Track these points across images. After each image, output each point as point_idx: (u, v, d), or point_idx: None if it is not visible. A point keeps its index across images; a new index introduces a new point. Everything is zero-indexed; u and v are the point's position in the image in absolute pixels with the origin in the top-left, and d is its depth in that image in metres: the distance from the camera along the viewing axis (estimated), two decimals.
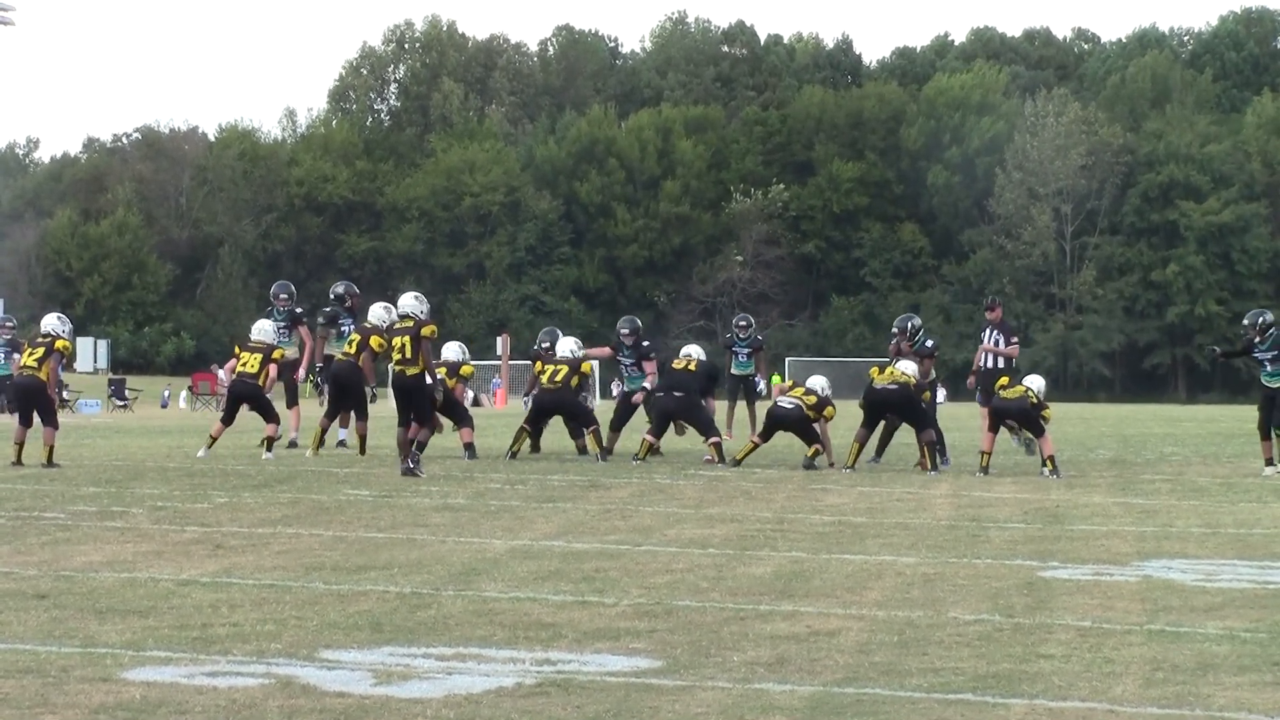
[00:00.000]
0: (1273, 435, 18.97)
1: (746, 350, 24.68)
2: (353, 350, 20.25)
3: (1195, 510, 14.48)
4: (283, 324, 22.32)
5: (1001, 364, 22.88)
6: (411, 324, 17.73)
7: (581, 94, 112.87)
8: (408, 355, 17.64)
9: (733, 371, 25.10)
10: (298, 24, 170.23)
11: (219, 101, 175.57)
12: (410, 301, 18.11)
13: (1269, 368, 18.92)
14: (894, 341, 20.61)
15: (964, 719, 6.16)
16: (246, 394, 20.30)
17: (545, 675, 6.85)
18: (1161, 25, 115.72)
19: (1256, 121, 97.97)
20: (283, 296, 22.78)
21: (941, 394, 19.15)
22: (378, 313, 20.43)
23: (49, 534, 11.85)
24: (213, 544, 11.37)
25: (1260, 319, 19.25)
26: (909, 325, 20.62)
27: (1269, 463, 19.06)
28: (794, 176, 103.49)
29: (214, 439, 20.81)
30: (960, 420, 41.76)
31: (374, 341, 19.32)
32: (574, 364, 20.13)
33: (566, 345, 20.60)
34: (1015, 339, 22.99)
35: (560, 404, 20.20)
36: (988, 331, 23.11)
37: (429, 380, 17.77)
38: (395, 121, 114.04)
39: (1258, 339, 19.02)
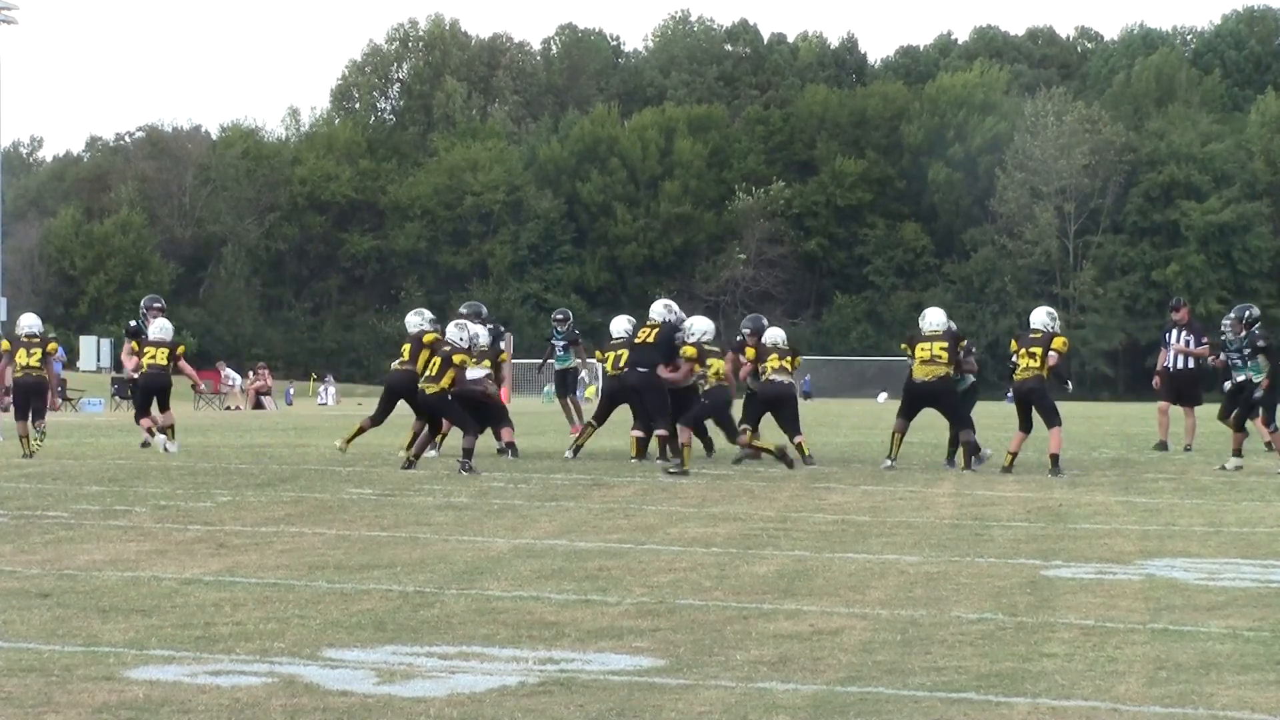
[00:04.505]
0: (1246, 427, 19.05)
1: (564, 344, 24.93)
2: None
3: (1198, 509, 14.47)
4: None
5: (1193, 364, 23.03)
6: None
7: (584, 93, 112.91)
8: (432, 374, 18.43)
9: (555, 367, 25.45)
10: (300, 23, 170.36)
11: (222, 100, 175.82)
12: (451, 330, 18.76)
13: (1244, 363, 19.04)
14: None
15: (967, 718, 6.16)
16: (158, 385, 21.77)
17: (548, 674, 6.84)
18: (1165, 25, 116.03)
19: (1260, 120, 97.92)
20: (155, 306, 23.15)
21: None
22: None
23: (52, 533, 11.86)
24: (216, 543, 11.38)
25: (1247, 313, 19.32)
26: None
27: (1236, 453, 19.02)
28: (796, 175, 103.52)
29: (151, 431, 21.92)
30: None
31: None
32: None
33: (620, 325, 20.93)
34: (1206, 339, 23.11)
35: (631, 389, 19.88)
36: (1175, 332, 23.22)
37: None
38: (398, 120, 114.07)
39: (1244, 333, 19.09)
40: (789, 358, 19.84)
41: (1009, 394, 22.91)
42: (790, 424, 19.78)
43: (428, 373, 18.55)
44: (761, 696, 6.46)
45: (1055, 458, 18.19)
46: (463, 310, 21.49)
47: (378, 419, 20.59)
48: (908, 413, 19.08)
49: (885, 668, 7.04)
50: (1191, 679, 6.82)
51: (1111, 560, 10.80)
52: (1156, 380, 23.63)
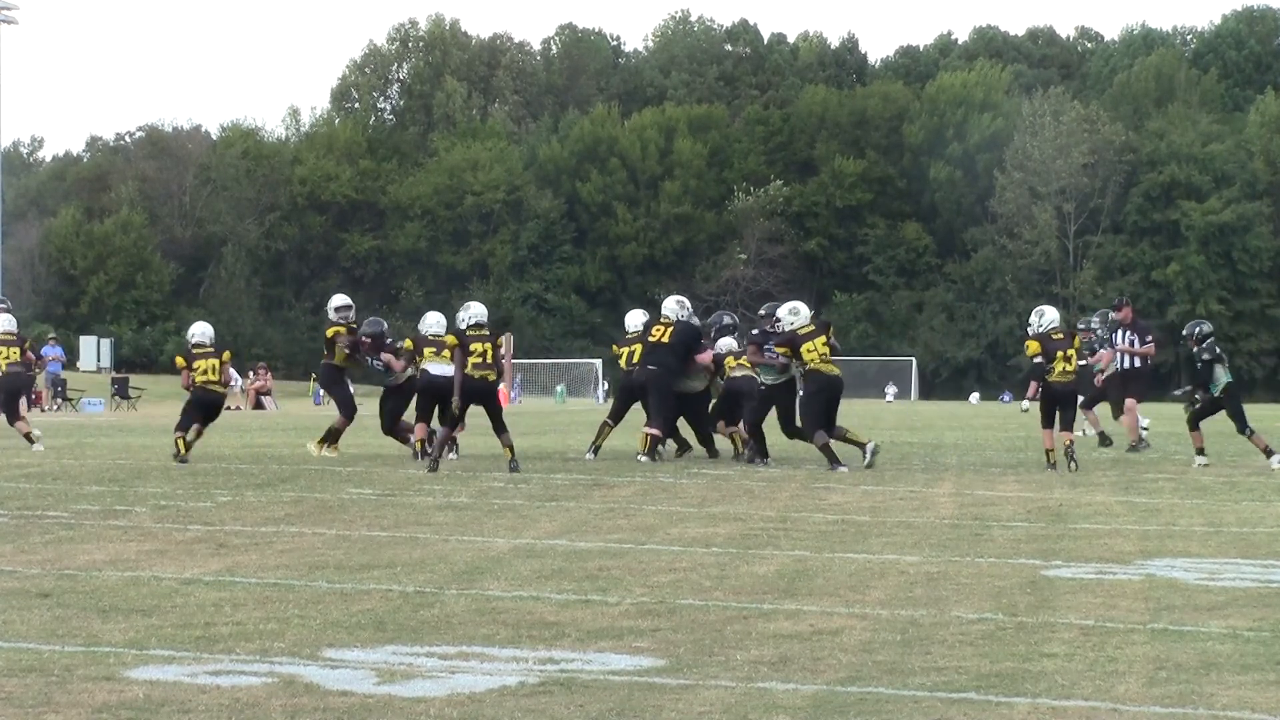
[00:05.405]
0: (1247, 432, 19.30)
1: None
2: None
3: (1198, 509, 14.46)
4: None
5: (1139, 364, 23.05)
6: (487, 332, 18.56)
7: (584, 93, 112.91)
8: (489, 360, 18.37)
9: None
10: (300, 23, 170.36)
11: (222, 100, 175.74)
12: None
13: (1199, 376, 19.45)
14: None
15: (967, 718, 6.16)
16: (23, 385, 22.23)
17: (548, 674, 6.84)
18: (1165, 25, 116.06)
19: (1260, 120, 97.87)
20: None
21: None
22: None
23: (52, 533, 11.86)
24: (216, 543, 11.38)
25: (1197, 330, 19.58)
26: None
27: (1200, 452, 19.53)
28: (796, 175, 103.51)
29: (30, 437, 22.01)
30: (962, 419, 41.73)
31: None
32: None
33: (635, 319, 21.27)
34: (1150, 337, 23.11)
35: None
36: (1120, 332, 23.20)
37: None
38: (398, 120, 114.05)
39: (1195, 349, 19.36)
40: (743, 357, 20.38)
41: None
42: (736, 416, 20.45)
43: (483, 360, 18.18)
44: (761, 696, 6.46)
45: (1071, 445, 18.75)
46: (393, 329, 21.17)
47: (452, 424, 20.23)
48: (826, 415, 19.04)
49: (885, 668, 7.04)
50: (1191, 679, 6.82)
51: (1111, 560, 10.80)
52: (1099, 379, 23.67)
